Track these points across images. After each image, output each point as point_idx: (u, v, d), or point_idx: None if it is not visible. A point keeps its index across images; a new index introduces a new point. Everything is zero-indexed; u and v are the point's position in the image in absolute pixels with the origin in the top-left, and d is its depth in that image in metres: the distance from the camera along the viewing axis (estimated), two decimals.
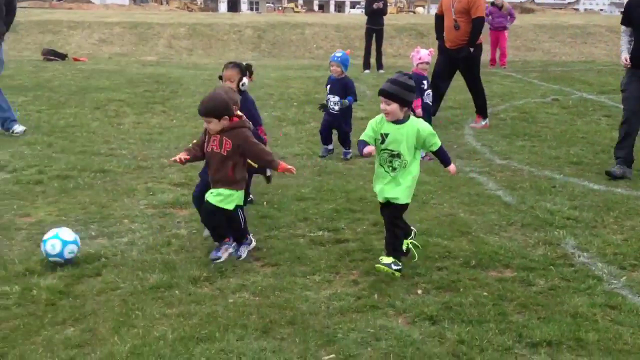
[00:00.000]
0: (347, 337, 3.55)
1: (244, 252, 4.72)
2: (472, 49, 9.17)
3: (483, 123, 9.64)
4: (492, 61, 18.01)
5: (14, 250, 4.76)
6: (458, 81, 14.12)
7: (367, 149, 4.28)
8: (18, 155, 7.45)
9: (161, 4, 61.93)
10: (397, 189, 4.34)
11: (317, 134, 8.86)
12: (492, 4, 17.59)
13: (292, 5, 74.85)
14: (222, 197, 4.50)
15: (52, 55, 18.19)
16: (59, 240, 4.44)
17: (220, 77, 5.59)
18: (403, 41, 23.37)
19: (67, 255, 4.46)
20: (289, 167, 4.52)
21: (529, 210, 5.69)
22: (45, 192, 6.16)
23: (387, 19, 17.35)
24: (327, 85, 7.72)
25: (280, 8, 74.75)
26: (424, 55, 7.62)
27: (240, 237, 4.75)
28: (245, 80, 5.55)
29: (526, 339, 3.53)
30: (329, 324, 3.69)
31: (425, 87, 7.64)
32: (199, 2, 75.20)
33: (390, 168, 4.35)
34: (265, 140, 5.76)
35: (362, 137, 4.38)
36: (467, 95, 12.36)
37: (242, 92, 5.54)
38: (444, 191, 6.26)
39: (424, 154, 7.55)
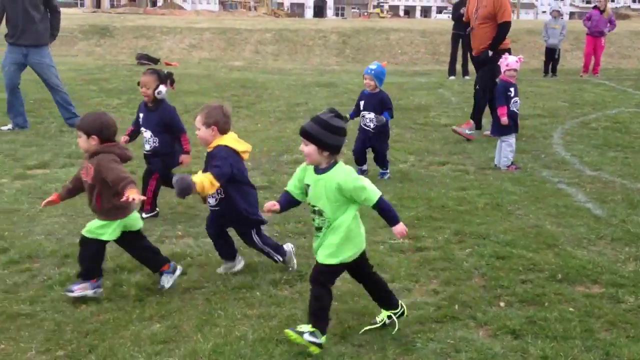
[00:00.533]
0: (426, 347, 3.52)
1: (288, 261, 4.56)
2: (490, 52, 8.88)
3: (467, 132, 8.94)
4: (585, 68, 17.33)
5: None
6: (548, 88, 13.81)
7: (267, 205, 3.67)
8: None
9: (249, 10, 63.32)
10: (322, 246, 3.59)
11: (399, 140, 8.84)
12: (595, 7, 16.91)
13: (377, 10, 74.83)
14: (93, 228, 4.14)
15: (146, 59, 18.87)
16: None
17: (139, 83, 5.60)
18: None
19: None
20: (133, 197, 3.86)
21: (620, 224, 5.46)
22: None
23: None
24: (359, 100, 7.07)
25: (365, 13, 74.88)
26: (512, 62, 7.44)
27: (270, 257, 4.56)
28: (162, 88, 5.51)
29: (613, 357, 3.40)
30: (407, 333, 3.67)
31: (512, 94, 7.44)
32: (285, 8, 76.45)
33: (315, 228, 3.64)
34: (186, 149, 5.72)
35: (286, 188, 3.76)
36: (557, 102, 12.06)
37: (159, 101, 5.56)
38: (530, 202, 6.10)
39: (509, 164, 7.40)
